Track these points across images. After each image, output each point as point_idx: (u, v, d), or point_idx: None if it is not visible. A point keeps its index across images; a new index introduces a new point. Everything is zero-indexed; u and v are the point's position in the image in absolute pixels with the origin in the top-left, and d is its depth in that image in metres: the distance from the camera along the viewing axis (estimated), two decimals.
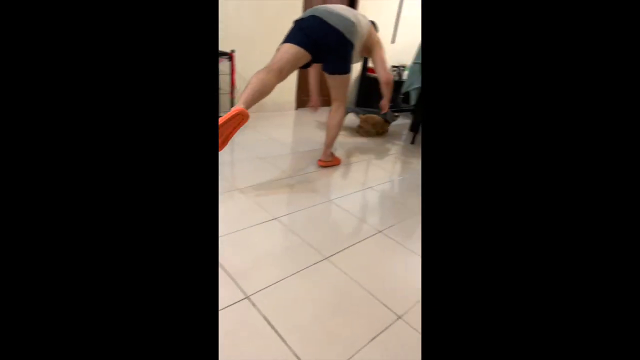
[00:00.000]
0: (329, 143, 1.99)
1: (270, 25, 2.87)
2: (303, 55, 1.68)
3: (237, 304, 0.93)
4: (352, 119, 3.18)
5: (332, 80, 1.82)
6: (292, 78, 3.32)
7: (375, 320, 0.95)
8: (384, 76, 1.92)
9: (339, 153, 2.30)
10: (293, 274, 1.08)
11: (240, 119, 1.44)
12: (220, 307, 0.91)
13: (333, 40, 1.69)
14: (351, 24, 1.70)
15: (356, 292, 1.04)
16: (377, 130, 2.93)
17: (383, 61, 1.91)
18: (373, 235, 1.37)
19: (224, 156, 2.00)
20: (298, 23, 1.73)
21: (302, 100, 3.51)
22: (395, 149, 2.64)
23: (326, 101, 2.22)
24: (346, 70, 1.80)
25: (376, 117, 2.87)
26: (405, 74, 3.88)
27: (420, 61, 2.46)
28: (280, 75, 1.65)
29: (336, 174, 1.97)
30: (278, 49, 1.70)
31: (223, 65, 2.59)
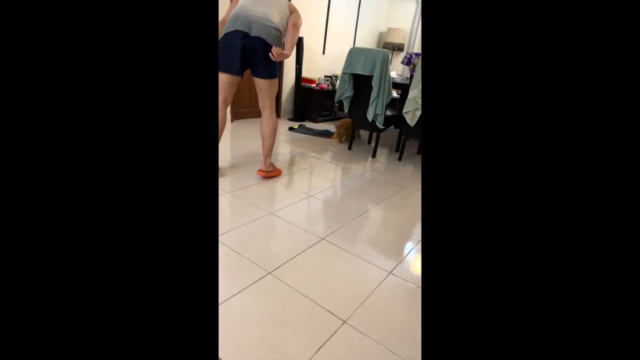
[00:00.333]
0: (267, 152, 1.98)
1: None
2: (235, 78, 1.81)
3: None
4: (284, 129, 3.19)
5: (263, 83, 1.83)
6: None
7: (320, 328, 0.94)
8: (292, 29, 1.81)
9: (279, 164, 2.29)
10: (235, 295, 1.03)
11: None
12: None
13: (260, 52, 1.72)
14: (274, 29, 1.72)
15: (301, 303, 1.03)
16: (356, 134, 3.14)
17: (296, 25, 1.80)
18: (316, 243, 1.38)
19: None
20: (223, 40, 1.71)
21: (237, 112, 3.45)
22: (335, 155, 2.71)
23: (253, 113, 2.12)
24: (276, 74, 1.84)
25: (349, 121, 2.97)
26: (337, 84, 4.02)
27: (348, 71, 2.56)
28: (226, 103, 1.85)
29: (277, 185, 1.95)
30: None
31: None
